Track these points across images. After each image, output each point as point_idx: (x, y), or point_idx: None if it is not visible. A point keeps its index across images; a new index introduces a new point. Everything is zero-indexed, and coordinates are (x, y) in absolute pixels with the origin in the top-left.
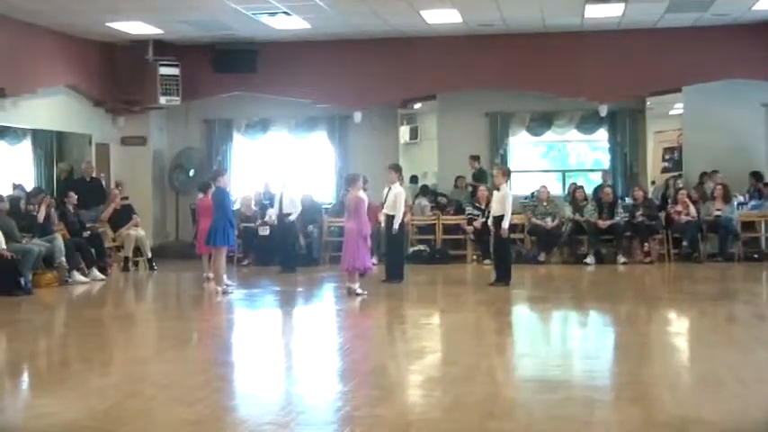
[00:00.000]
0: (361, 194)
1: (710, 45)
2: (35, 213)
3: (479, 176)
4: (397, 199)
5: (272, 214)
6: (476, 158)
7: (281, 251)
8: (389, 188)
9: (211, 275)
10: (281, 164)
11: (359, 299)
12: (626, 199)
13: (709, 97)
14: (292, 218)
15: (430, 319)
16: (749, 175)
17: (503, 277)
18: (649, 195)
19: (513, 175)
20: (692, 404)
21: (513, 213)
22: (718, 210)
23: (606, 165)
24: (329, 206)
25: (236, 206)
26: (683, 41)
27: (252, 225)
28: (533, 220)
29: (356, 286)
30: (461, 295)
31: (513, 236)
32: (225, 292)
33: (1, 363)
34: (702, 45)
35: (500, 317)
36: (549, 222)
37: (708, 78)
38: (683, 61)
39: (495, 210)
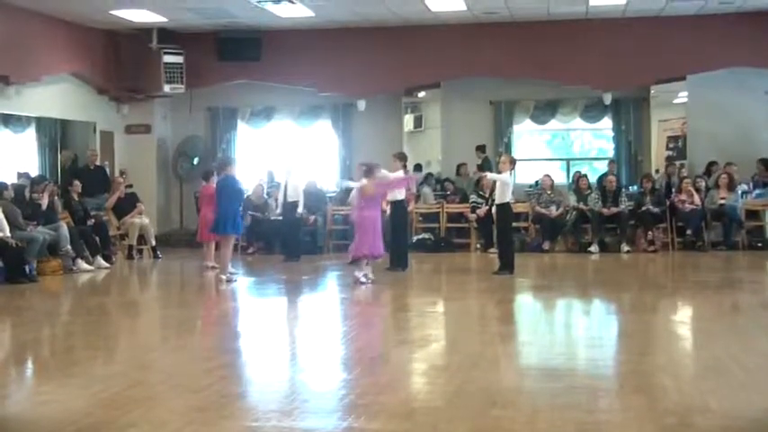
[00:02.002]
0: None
1: (715, 33)
2: (39, 201)
3: (484, 166)
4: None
5: (275, 200)
6: (481, 148)
7: (285, 240)
8: None
9: (212, 264)
10: (285, 152)
11: (363, 287)
12: (630, 187)
13: (713, 86)
14: (300, 208)
15: (434, 308)
16: (757, 161)
17: (506, 266)
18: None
19: (517, 163)
20: (696, 393)
21: (517, 202)
22: (723, 198)
23: (610, 153)
24: (333, 194)
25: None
26: (687, 29)
27: (259, 214)
28: (537, 208)
29: (361, 274)
30: (465, 283)
31: (516, 224)
32: (229, 281)
33: (5, 350)
34: (707, 33)
35: (504, 305)
36: (554, 211)
37: (712, 67)
38: (687, 49)
39: (498, 197)
